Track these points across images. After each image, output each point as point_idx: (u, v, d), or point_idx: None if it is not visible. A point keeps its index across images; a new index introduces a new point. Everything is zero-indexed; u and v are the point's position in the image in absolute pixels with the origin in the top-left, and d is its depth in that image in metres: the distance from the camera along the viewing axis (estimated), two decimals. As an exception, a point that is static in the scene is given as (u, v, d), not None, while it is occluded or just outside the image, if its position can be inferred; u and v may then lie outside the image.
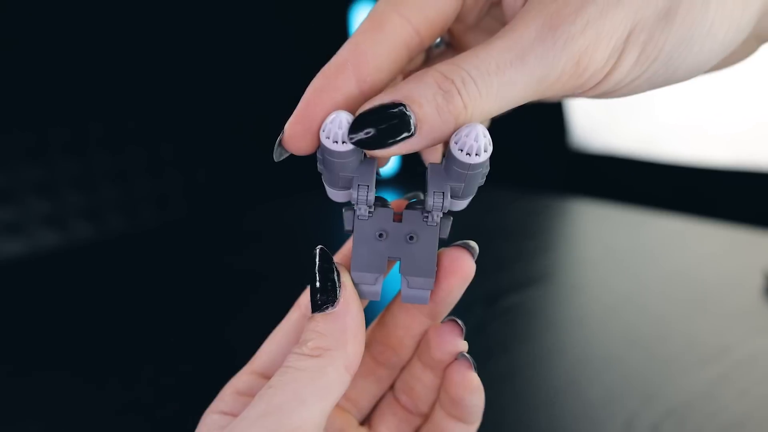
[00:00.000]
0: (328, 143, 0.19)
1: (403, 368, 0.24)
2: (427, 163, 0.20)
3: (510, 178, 1.07)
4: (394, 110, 0.18)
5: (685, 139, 0.85)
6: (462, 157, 0.19)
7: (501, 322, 0.55)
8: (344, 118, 0.19)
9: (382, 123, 0.18)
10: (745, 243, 0.68)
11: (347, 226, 0.22)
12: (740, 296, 0.55)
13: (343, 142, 0.19)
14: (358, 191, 0.20)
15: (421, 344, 0.23)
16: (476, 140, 0.18)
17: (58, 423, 0.45)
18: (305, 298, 0.23)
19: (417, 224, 0.21)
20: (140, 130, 0.94)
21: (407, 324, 0.23)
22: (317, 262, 0.20)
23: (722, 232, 0.73)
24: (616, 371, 0.46)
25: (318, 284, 0.20)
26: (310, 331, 0.20)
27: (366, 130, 0.18)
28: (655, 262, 0.66)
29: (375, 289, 0.21)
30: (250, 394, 0.22)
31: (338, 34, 1.07)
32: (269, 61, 1.03)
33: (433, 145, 0.19)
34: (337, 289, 0.20)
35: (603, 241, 0.74)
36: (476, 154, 0.18)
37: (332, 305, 0.20)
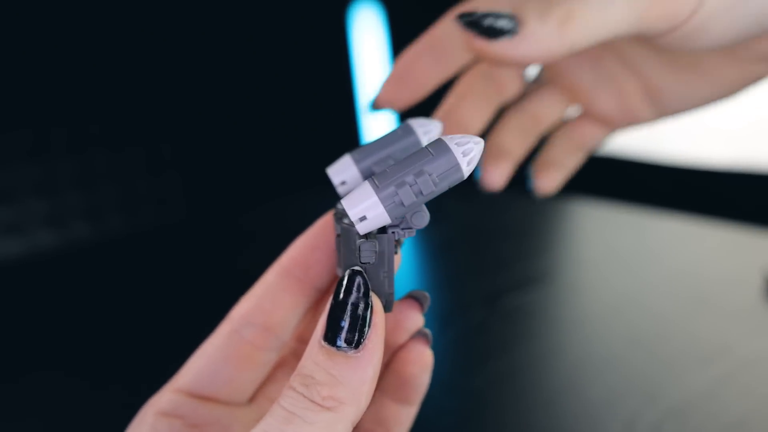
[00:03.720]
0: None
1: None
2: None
3: (510, 178, 1.07)
4: (501, 16, 0.19)
5: (685, 139, 0.85)
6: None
7: (501, 322, 0.55)
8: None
9: (485, 20, 0.19)
10: (745, 243, 0.68)
11: (369, 259, 0.18)
12: (741, 296, 0.55)
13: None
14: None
15: None
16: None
17: (57, 423, 0.45)
18: (238, 310, 0.21)
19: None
20: (140, 131, 0.94)
21: (292, 303, 0.21)
22: (353, 292, 0.17)
23: (722, 232, 0.73)
24: (617, 371, 0.45)
25: (347, 319, 0.17)
26: (321, 369, 0.16)
27: (476, 22, 0.19)
28: (656, 261, 0.65)
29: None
30: (175, 415, 0.20)
31: (337, 34, 1.07)
32: (268, 61, 1.03)
33: (531, 60, 0.19)
34: (366, 329, 0.17)
35: (603, 240, 0.74)
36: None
37: (356, 348, 0.17)
